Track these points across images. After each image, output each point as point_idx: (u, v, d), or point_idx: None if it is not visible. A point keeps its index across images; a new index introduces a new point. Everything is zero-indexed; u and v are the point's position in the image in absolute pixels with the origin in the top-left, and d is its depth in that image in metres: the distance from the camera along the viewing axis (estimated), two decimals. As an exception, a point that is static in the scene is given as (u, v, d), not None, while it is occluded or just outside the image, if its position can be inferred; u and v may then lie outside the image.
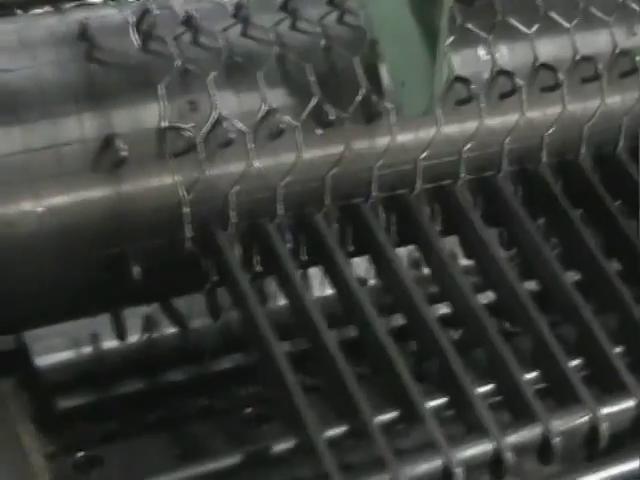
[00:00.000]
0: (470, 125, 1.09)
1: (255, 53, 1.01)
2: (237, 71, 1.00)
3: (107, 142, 0.94)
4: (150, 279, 0.99)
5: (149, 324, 1.14)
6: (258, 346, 0.96)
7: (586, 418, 0.96)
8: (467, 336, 1.03)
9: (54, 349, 1.11)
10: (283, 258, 1.00)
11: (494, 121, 1.09)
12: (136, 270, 0.97)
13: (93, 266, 0.98)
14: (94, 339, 1.12)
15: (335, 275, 1.03)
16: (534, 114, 1.11)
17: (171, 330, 1.14)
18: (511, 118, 1.10)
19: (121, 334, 1.09)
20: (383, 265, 1.05)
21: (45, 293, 0.98)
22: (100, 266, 0.98)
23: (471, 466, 0.91)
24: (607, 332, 1.02)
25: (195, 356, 1.13)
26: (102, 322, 1.09)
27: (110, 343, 1.12)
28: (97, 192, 0.95)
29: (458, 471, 0.90)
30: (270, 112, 0.99)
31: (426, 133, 1.07)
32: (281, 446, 0.93)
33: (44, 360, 1.09)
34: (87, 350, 1.12)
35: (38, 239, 0.95)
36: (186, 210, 0.97)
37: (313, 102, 1.01)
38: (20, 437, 0.94)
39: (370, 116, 1.03)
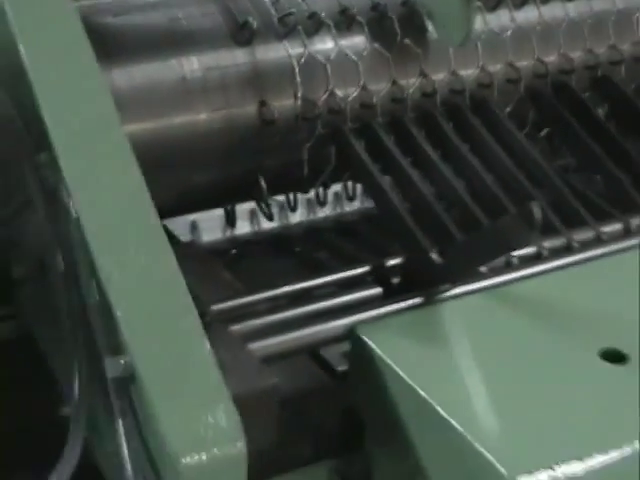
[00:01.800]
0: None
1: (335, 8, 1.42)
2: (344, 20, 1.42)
3: (253, 67, 1.37)
4: (287, 172, 1.40)
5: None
6: (380, 197, 1.35)
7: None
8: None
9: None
10: (390, 148, 1.38)
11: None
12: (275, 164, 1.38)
13: (246, 159, 1.38)
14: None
15: (429, 168, 1.39)
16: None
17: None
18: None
19: (271, 216, 1.45)
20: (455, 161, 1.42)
21: (210, 181, 1.38)
22: (251, 158, 1.38)
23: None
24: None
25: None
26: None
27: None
28: (248, 103, 1.37)
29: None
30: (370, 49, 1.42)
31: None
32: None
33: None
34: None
35: (208, 137, 1.35)
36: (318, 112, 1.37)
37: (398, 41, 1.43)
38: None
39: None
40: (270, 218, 1.47)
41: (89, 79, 1.05)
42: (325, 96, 1.39)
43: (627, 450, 0.98)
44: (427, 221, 1.31)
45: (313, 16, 1.40)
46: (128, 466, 0.98)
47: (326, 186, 1.48)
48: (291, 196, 1.52)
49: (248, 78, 1.36)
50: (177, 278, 0.97)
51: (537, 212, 1.02)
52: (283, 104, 1.37)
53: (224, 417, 0.92)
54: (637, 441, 0.99)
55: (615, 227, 1.34)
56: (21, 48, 1.04)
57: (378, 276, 1.23)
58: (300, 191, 1.48)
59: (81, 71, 1.05)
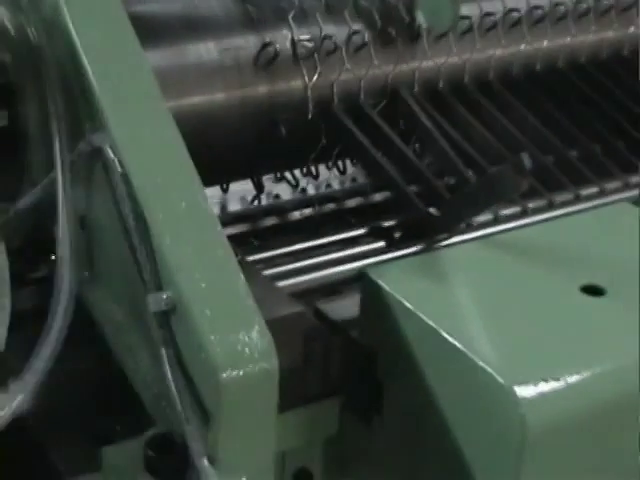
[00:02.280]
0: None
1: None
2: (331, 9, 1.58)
3: (263, 47, 1.51)
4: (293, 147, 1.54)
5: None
6: (371, 165, 1.51)
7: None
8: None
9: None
10: (381, 125, 1.55)
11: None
12: (284, 131, 1.52)
13: (256, 132, 1.53)
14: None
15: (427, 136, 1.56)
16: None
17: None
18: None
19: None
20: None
21: (227, 154, 1.52)
22: (260, 132, 1.53)
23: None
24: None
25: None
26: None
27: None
28: (258, 82, 1.50)
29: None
30: (354, 34, 1.58)
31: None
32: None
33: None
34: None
35: (225, 111, 1.49)
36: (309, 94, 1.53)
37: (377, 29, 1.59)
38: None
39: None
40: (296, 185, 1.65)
41: (134, 56, 1.19)
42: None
43: (609, 366, 1.13)
44: (419, 186, 1.46)
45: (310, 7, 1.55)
46: (173, 388, 1.10)
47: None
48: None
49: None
50: (213, 219, 1.11)
51: (527, 161, 1.17)
52: (291, 85, 1.52)
53: (259, 337, 1.06)
54: (612, 358, 1.14)
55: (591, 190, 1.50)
56: (73, 32, 1.17)
57: (381, 232, 1.38)
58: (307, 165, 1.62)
59: (126, 49, 1.19)
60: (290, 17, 1.53)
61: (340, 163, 1.69)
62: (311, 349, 1.22)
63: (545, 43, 1.75)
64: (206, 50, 1.47)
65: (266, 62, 1.50)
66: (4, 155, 1.34)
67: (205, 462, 1.06)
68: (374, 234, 1.43)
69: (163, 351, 1.11)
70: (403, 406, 1.22)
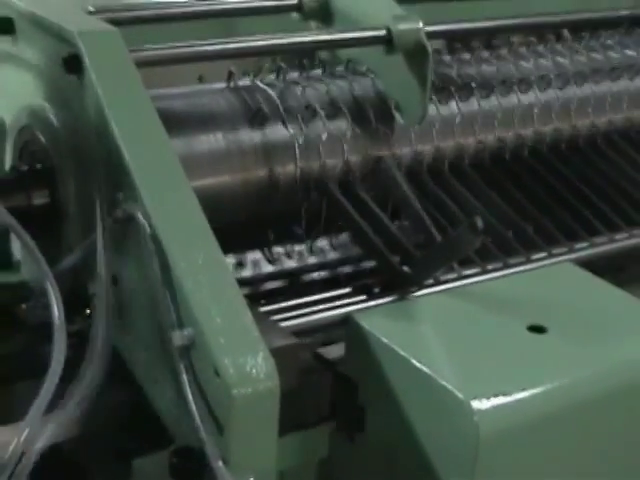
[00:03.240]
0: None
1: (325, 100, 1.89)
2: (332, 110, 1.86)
3: (261, 144, 1.79)
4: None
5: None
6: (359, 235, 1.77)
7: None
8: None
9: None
10: (368, 203, 1.81)
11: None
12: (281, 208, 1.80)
13: (257, 204, 1.79)
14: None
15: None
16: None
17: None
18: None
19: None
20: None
21: (231, 227, 1.78)
22: (259, 206, 1.80)
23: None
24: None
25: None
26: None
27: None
28: (258, 167, 1.78)
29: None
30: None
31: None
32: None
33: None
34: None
35: (231, 191, 1.76)
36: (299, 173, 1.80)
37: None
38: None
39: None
40: (272, 262, 1.87)
41: (160, 141, 1.46)
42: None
43: (548, 386, 1.39)
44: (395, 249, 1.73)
45: (309, 107, 1.84)
46: (193, 406, 1.34)
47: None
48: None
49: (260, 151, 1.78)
50: (226, 268, 1.38)
51: (480, 223, 1.44)
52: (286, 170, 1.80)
53: (264, 361, 1.31)
54: (551, 379, 1.40)
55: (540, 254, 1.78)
56: (112, 124, 1.44)
57: (363, 288, 1.65)
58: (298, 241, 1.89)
59: (154, 136, 1.46)
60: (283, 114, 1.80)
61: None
62: (305, 382, 1.48)
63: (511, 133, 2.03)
64: (215, 140, 1.75)
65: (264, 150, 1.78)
66: (46, 227, 1.61)
67: (220, 463, 1.30)
68: (358, 290, 1.69)
69: (184, 378, 1.35)
70: (381, 424, 1.47)
